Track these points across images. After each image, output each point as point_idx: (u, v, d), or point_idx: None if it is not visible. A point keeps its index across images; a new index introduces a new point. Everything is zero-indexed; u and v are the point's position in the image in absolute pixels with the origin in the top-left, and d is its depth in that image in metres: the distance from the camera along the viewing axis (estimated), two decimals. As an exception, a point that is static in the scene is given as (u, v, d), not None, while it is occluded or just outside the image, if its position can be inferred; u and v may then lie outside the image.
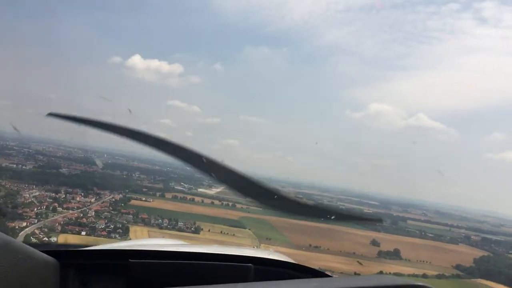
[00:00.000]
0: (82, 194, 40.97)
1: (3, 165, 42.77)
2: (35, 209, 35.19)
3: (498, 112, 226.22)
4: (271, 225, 51.35)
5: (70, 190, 40.82)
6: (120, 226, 36.85)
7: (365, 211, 67.55)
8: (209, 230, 42.68)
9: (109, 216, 38.32)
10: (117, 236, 33.87)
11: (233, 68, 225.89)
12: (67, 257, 1.81)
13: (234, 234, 43.75)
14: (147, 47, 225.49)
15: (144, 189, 50.90)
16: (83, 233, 34.00)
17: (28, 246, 1.53)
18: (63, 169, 46.65)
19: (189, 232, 40.89)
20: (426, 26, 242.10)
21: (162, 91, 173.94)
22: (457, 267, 43.86)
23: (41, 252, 1.61)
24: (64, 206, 37.87)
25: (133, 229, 36.82)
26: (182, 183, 60.06)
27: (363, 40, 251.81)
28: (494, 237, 58.17)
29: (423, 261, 44.46)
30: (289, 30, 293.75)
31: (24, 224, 31.91)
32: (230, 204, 56.81)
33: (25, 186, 38.81)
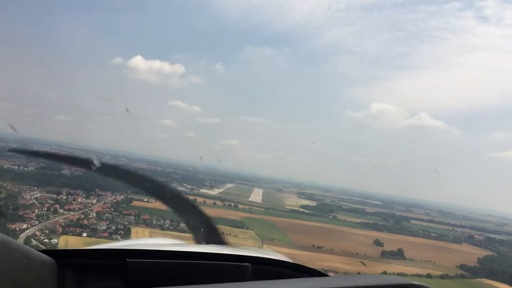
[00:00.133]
0: (84, 195, 40.89)
1: (5, 166, 42.74)
2: (36, 210, 35.13)
3: (500, 111, 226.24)
4: (274, 225, 51.20)
5: (72, 191, 40.76)
6: (122, 227, 36.74)
7: (367, 210, 67.55)
8: (211, 231, 42.47)
9: (111, 218, 38.22)
10: (118, 237, 33.71)
11: (234, 68, 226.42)
12: (64, 256, 1.79)
13: (236, 235, 43.54)
14: (148, 48, 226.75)
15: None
16: (84, 234, 33.92)
17: (25, 246, 1.50)
18: (65, 170, 46.60)
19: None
20: (428, 25, 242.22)
21: (163, 91, 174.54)
22: (461, 267, 43.62)
23: (38, 252, 1.60)
24: (66, 207, 37.81)
25: (134, 230, 36.69)
26: (184, 184, 60.00)
27: (364, 39, 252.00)
28: (497, 237, 57.95)
29: (427, 261, 44.23)
30: (290, 30, 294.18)
31: (25, 225, 31.86)
32: (233, 204, 56.74)
33: (27, 188, 38.74)
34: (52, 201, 37.84)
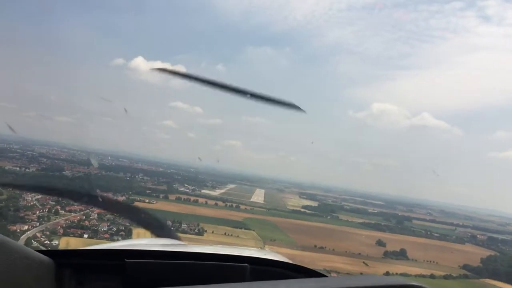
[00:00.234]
0: (85, 196, 40.72)
1: (6, 168, 42.69)
2: (37, 212, 35.04)
3: (501, 111, 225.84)
4: (276, 226, 51.06)
5: (73, 192, 40.62)
6: (123, 228, 36.57)
7: (369, 210, 67.41)
8: (213, 232, 42.39)
9: (112, 219, 38.06)
10: (119, 238, 33.55)
11: (235, 69, 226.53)
12: (63, 256, 1.80)
13: (238, 236, 43.42)
14: (150, 48, 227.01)
15: (147, 191, 50.79)
16: (85, 236, 33.80)
17: (23, 246, 1.50)
18: (66, 171, 46.58)
19: (192, 233, 40.60)
20: (429, 25, 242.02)
21: (165, 92, 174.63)
22: (464, 267, 43.42)
23: (36, 252, 1.60)
24: (67, 208, 37.69)
25: (135, 231, 36.42)
26: (186, 185, 60.02)
27: (365, 39, 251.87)
28: (500, 236, 57.79)
29: (430, 261, 44.03)
30: (292, 30, 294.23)
31: (26, 227, 31.73)
32: (234, 205, 56.62)
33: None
34: (54, 203, 37.70)
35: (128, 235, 34.70)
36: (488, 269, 42.64)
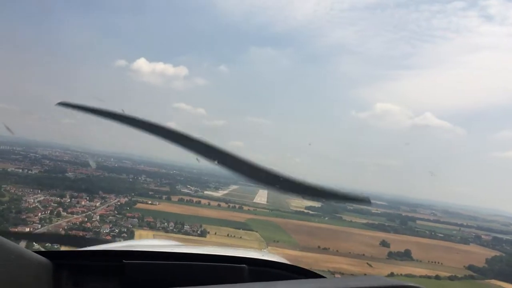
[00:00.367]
0: (88, 198, 40.69)
1: (9, 170, 42.71)
2: (39, 214, 34.94)
3: (504, 110, 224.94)
4: (279, 227, 50.82)
5: (76, 194, 40.61)
6: (125, 230, 36.49)
7: (373, 211, 67.02)
8: (215, 233, 42.18)
9: (114, 220, 37.99)
10: (121, 240, 33.41)
11: (238, 69, 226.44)
12: (61, 257, 1.79)
13: (241, 237, 43.19)
14: (152, 50, 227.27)
15: (150, 192, 50.68)
16: (87, 237, 33.59)
17: (21, 247, 1.48)
18: (69, 173, 46.57)
19: (195, 235, 40.41)
20: (431, 24, 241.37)
21: (167, 93, 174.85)
22: (470, 267, 43.05)
23: (34, 253, 1.59)
24: (69, 210, 37.63)
25: (138, 233, 36.39)
26: (188, 186, 59.90)
27: (367, 39, 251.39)
28: (504, 237, 57.40)
29: (435, 262, 43.65)
30: (293, 31, 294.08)
31: (27, 229, 31.57)
32: (237, 206, 56.44)
33: (30, 191, 38.61)
34: (56, 204, 37.66)
35: (130, 236, 34.60)
36: (494, 269, 42.32)
